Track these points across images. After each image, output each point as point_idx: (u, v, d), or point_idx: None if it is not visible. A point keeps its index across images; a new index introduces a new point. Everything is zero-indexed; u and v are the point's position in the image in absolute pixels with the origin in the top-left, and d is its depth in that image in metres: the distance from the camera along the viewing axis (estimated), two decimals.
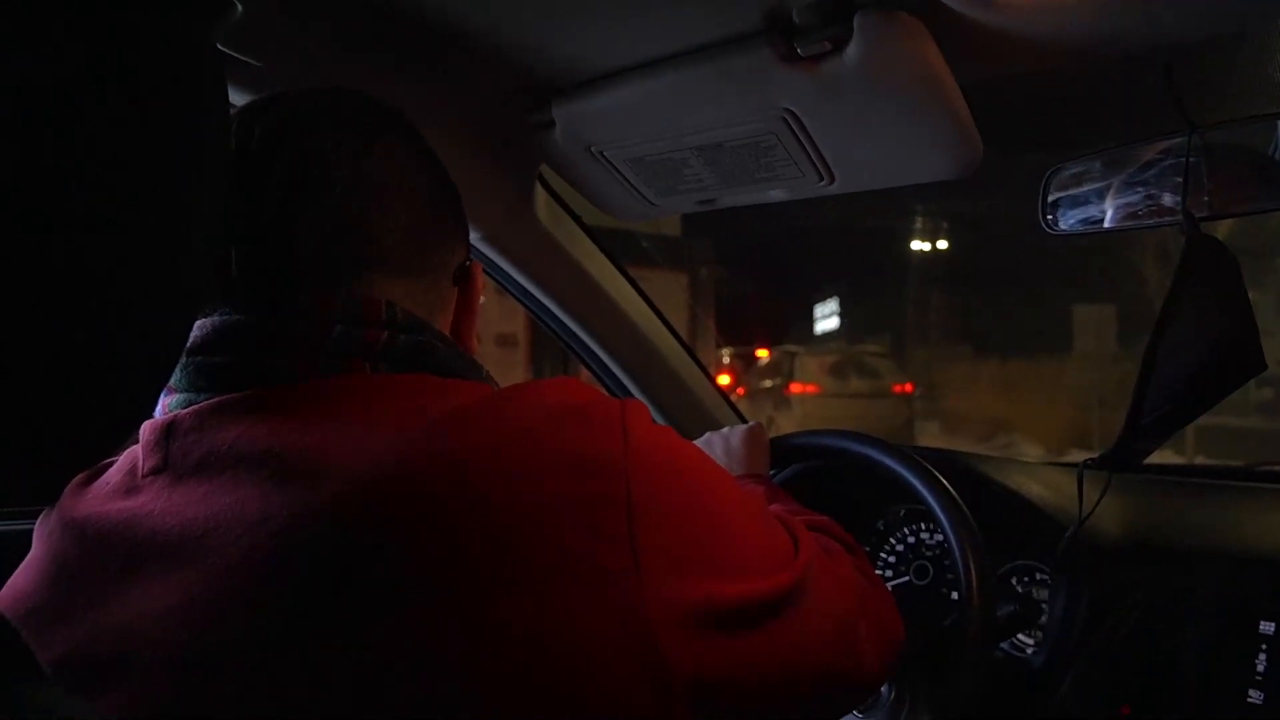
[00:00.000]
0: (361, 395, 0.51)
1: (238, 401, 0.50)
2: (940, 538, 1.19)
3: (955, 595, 1.14)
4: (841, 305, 16.68)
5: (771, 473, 1.09)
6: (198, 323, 0.53)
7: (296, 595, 0.43)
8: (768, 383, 12.86)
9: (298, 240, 0.55)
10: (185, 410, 0.51)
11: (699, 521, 0.52)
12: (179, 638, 0.44)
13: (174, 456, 0.50)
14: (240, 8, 0.70)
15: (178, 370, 0.53)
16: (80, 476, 0.55)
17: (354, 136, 0.58)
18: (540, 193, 1.16)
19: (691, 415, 1.48)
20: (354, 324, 0.54)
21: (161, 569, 0.47)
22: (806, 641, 0.56)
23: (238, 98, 0.80)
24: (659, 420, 1.46)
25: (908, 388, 12.45)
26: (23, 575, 0.53)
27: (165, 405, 0.54)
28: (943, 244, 15.08)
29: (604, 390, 1.44)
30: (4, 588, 0.53)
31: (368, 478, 0.45)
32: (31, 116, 0.26)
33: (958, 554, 0.86)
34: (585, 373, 1.48)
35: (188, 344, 0.53)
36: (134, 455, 0.53)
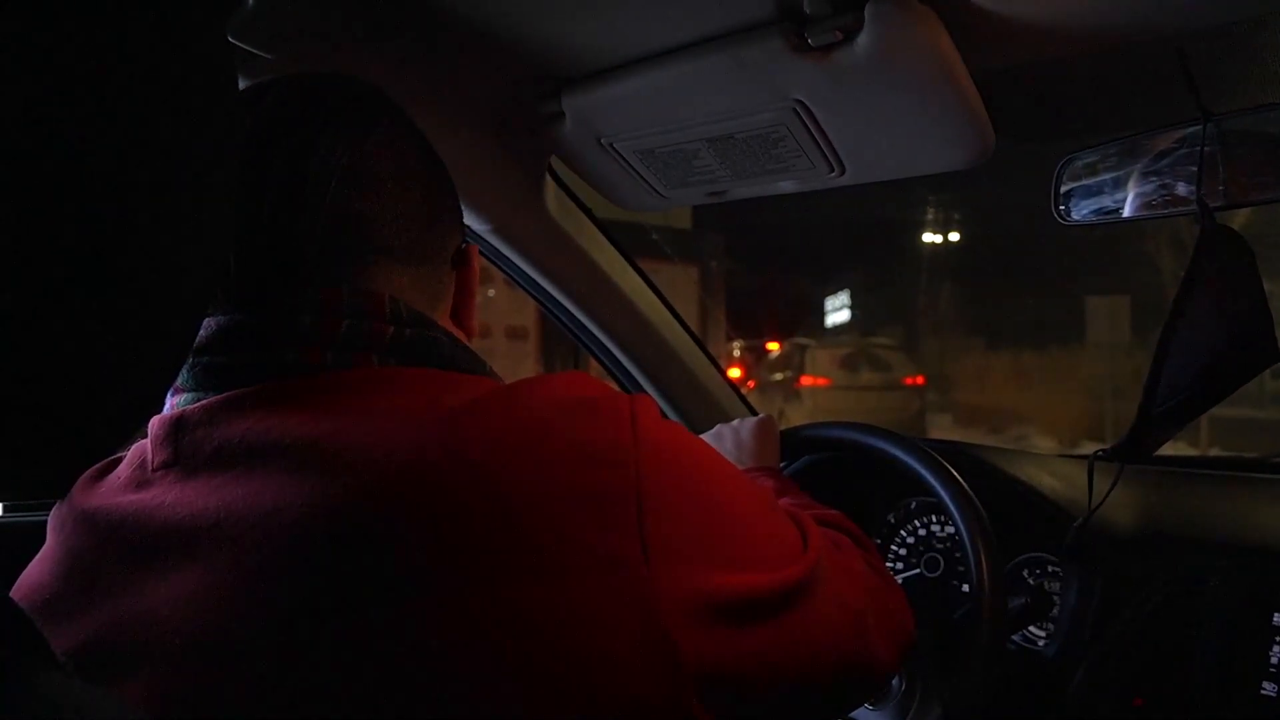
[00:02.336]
0: (372, 387, 0.51)
1: (248, 395, 0.51)
2: (951, 530, 1.19)
3: (966, 587, 1.13)
4: (852, 298, 16.62)
5: (782, 465, 1.09)
6: (205, 321, 0.54)
7: (310, 585, 0.44)
8: (778, 375, 12.85)
9: (300, 235, 0.55)
10: (194, 405, 0.51)
11: (708, 514, 0.52)
12: (194, 627, 0.45)
13: (184, 450, 0.50)
14: (251, 0, 0.70)
15: (185, 370, 0.53)
16: (91, 471, 0.55)
17: (350, 125, 0.57)
18: (549, 184, 1.16)
19: (702, 408, 1.48)
20: (361, 318, 0.54)
21: (175, 560, 0.47)
22: (816, 634, 0.56)
23: None
24: (669, 413, 1.46)
25: (919, 380, 12.41)
26: (37, 567, 0.53)
27: (173, 404, 0.54)
28: (954, 235, 15.02)
29: (614, 384, 1.44)
30: (19, 579, 0.53)
31: (382, 468, 0.45)
32: (38, 111, 0.26)
33: (969, 546, 0.86)
34: (595, 365, 1.48)
35: (196, 344, 0.53)
36: (143, 450, 0.53)
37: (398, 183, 0.59)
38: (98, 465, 0.55)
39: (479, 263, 0.69)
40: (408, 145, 0.61)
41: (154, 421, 0.53)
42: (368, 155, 0.57)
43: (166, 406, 0.54)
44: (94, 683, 0.45)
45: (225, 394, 0.51)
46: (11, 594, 0.52)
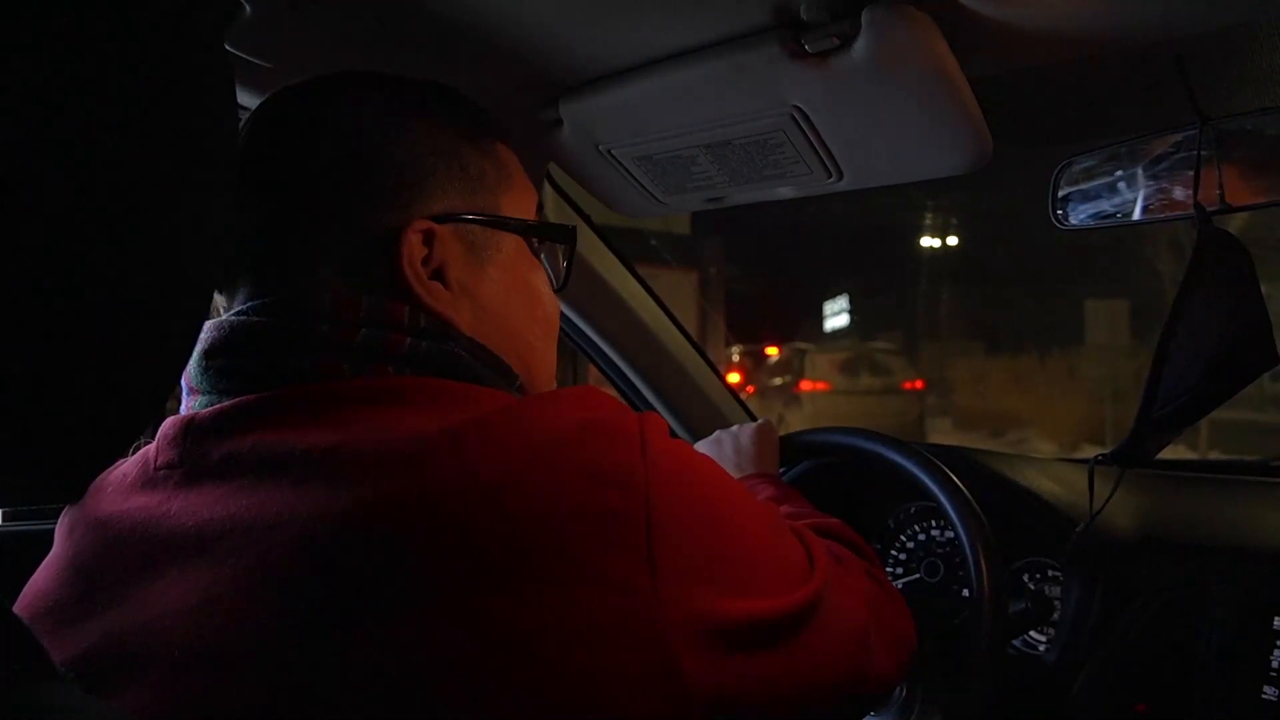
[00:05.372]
0: (385, 399, 0.51)
1: (258, 402, 0.51)
2: (951, 535, 1.19)
3: (967, 593, 1.13)
4: (852, 302, 16.62)
5: (781, 470, 1.09)
6: (216, 323, 0.54)
7: (314, 597, 0.44)
8: (778, 380, 12.85)
9: (316, 239, 0.55)
10: (206, 410, 0.51)
11: (716, 538, 0.52)
12: (197, 636, 0.45)
13: (190, 454, 0.50)
14: (249, 8, 0.70)
15: (199, 373, 0.53)
16: (100, 476, 0.55)
17: (389, 121, 0.58)
18: (548, 191, 1.16)
19: (701, 413, 1.48)
20: (378, 327, 0.54)
21: (180, 568, 0.47)
22: (821, 656, 0.56)
23: (247, 99, 0.81)
24: (668, 419, 1.46)
25: (918, 384, 12.41)
26: (44, 573, 0.53)
27: (188, 406, 0.54)
28: (953, 240, 15.02)
29: (617, 392, 1.44)
30: (27, 585, 0.53)
31: (389, 483, 0.45)
32: (38, 117, 0.26)
33: (969, 551, 0.86)
34: (594, 371, 1.48)
35: (208, 346, 0.53)
36: (148, 451, 0.53)
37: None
38: (106, 470, 0.56)
39: None
40: (455, 141, 0.61)
41: (167, 422, 0.53)
42: (405, 155, 0.58)
43: (183, 407, 0.54)
44: (96, 691, 0.45)
45: (237, 399, 0.51)
46: (18, 600, 0.52)
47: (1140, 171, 0.92)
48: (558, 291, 0.70)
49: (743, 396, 1.57)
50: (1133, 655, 0.94)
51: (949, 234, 14.89)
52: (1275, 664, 0.86)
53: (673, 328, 1.43)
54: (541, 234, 0.67)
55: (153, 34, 0.31)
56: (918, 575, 1.16)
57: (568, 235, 0.69)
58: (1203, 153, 0.84)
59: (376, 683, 0.42)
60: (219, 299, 0.58)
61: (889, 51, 0.71)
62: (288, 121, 0.58)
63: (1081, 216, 0.98)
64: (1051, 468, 1.16)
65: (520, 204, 0.65)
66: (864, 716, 0.99)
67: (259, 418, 0.50)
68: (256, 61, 0.77)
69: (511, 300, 0.63)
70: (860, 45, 0.72)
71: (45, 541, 0.55)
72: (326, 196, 0.56)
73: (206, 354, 0.53)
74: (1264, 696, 0.85)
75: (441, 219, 0.58)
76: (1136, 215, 0.93)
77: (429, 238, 0.58)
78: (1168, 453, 0.99)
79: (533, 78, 0.88)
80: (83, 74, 0.28)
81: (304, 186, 0.56)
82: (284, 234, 0.56)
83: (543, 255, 0.68)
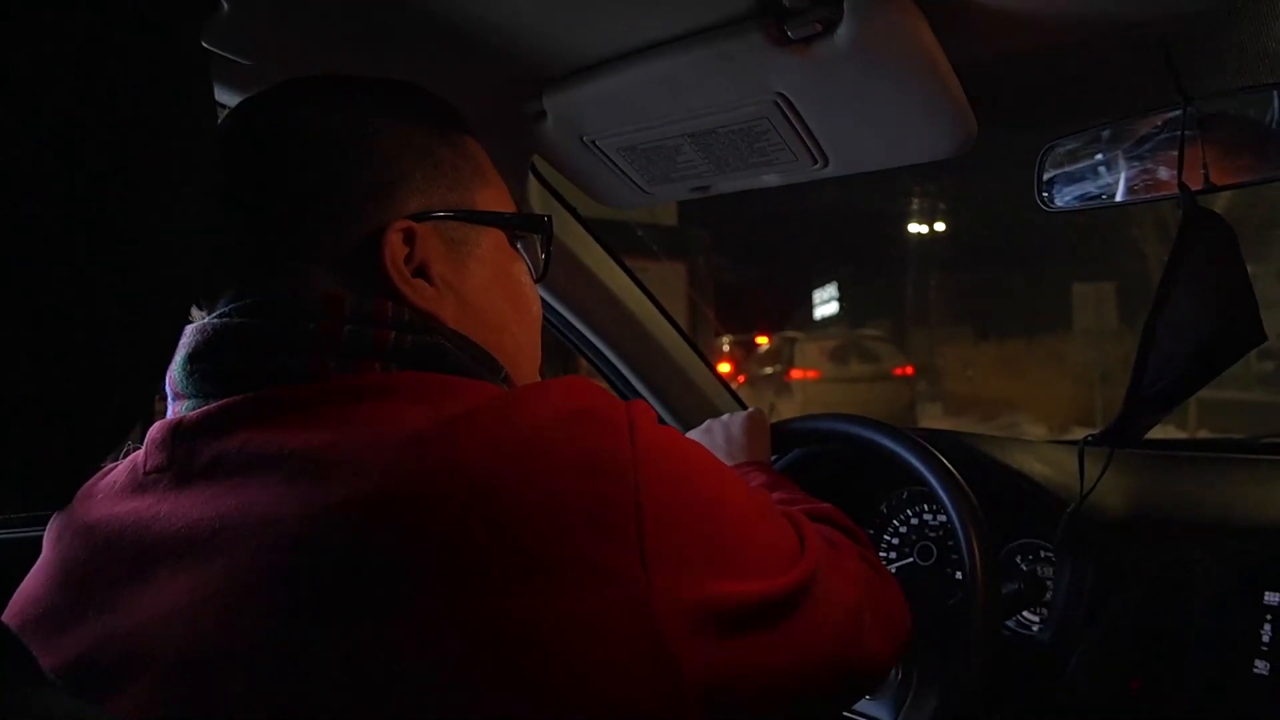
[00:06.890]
0: (372, 395, 0.51)
1: (246, 403, 0.50)
2: (943, 518, 1.19)
3: (960, 575, 1.14)
4: (840, 290, 16.67)
5: (773, 458, 1.09)
6: (198, 326, 0.54)
7: (306, 595, 0.43)
8: (768, 369, 12.87)
9: (302, 236, 0.55)
10: (193, 413, 0.51)
11: (706, 522, 0.52)
12: (189, 640, 0.45)
13: (179, 457, 0.50)
14: (226, 5, 0.69)
15: (184, 377, 0.53)
16: (88, 482, 0.55)
17: (362, 123, 0.58)
18: (533, 184, 1.16)
19: (692, 404, 1.48)
20: (364, 323, 0.54)
21: (170, 571, 0.47)
22: (815, 639, 0.57)
23: (225, 97, 0.80)
24: (659, 410, 1.46)
25: (908, 370, 12.45)
26: (33, 580, 0.53)
27: (174, 410, 0.54)
28: (940, 225, 15.06)
29: (607, 384, 1.44)
30: (16, 592, 0.53)
31: (379, 479, 0.45)
32: (8, 118, 0.26)
33: (961, 534, 0.86)
34: (584, 364, 1.48)
35: (192, 350, 0.53)
36: (137, 456, 0.53)
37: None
38: (95, 475, 0.55)
39: None
40: (430, 140, 0.61)
41: (154, 426, 0.53)
42: (384, 153, 0.58)
43: (169, 412, 0.54)
44: (89, 697, 0.45)
45: (224, 401, 0.51)
46: (7, 607, 0.52)
47: (1125, 153, 0.93)
48: (537, 281, 0.70)
49: (733, 386, 1.57)
50: (1126, 633, 0.95)
51: (936, 219, 14.94)
52: (1266, 638, 0.87)
53: (661, 319, 1.43)
54: (517, 226, 0.67)
55: (128, 31, 0.30)
56: (911, 559, 1.16)
57: (543, 226, 0.69)
58: (1187, 133, 0.85)
59: (370, 681, 0.42)
60: (195, 308, 0.58)
61: (872, 37, 0.71)
62: (261, 128, 0.58)
63: (1067, 199, 0.98)
64: (1042, 450, 1.17)
65: (495, 197, 0.65)
66: (860, 699, 0.99)
67: (247, 418, 0.50)
68: (235, 59, 0.76)
69: (494, 293, 0.64)
70: (843, 31, 0.72)
71: (33, 548, 0.55)
72: (305, 201, 0.56)
73: (191, 358, 0.53)
74: (1255, 670, 0.86)
75: (420, 217, 0.59)
76: (1122, 196, 0.94)
77: (409, 236, 0.58)
78: (1156, 432, 1.00)
79: (515, 70, 0.88)
80: (54, 73, 0.27)
81: (281, 192, 0.56)
82: (264, 239, 0.56)
83: (522, 247, 0.68)
